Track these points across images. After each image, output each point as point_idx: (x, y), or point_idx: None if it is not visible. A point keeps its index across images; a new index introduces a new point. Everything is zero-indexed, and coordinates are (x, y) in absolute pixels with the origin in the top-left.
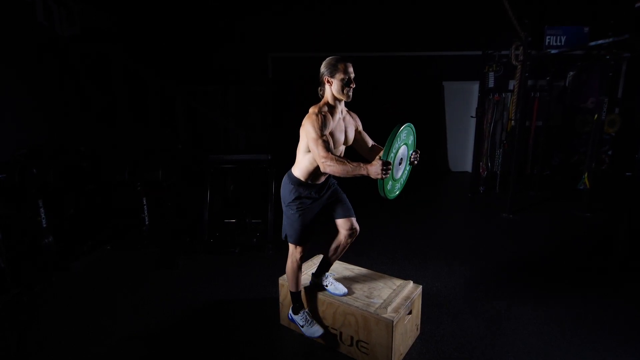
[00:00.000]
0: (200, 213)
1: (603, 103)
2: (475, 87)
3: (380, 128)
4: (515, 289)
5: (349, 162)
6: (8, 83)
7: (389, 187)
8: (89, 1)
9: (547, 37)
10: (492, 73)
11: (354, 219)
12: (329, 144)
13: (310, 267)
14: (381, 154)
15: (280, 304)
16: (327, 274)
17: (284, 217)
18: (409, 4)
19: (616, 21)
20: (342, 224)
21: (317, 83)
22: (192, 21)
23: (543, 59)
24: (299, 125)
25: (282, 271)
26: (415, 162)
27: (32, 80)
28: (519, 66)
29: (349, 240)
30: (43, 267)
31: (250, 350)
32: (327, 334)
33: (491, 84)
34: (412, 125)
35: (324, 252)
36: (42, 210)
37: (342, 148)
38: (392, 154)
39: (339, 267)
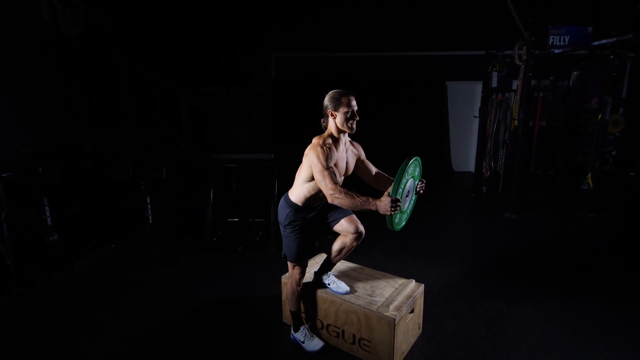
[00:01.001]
0: (203, 212)
1: (607, 103)
2: (478, 87)
3: (382, 129)
4: (517, 289)
5: (357, 196)
6: (13, 82)
7: (396, 220)
8: (93, 1)
9: (551, 36)
10: (496, 73)
11: (357, 220)
12: (335, 175)
13: (313, 265)
14: (390, 189)
15: (282, 302)
16: (329, 272)
17: (282, 237)
18: (412, 4)
19: (620, 21)
20: (346, 226)
21: (320, 83)
22: (195, 22)
23: (546, 59)
24: (302, 124)
25: (284, 270)
26: (422, 191)
27: (37, 80)
28: (523, 66)
29: (355, 243)
30: (47, 265)
31: (252, 348)
32: (329, 346)
33: (494, 83)
34: (419, 158)
35: (328, 252)
36: (47, 208)
37: (342, 179)
38: (400, 190)
39: (341, 266)
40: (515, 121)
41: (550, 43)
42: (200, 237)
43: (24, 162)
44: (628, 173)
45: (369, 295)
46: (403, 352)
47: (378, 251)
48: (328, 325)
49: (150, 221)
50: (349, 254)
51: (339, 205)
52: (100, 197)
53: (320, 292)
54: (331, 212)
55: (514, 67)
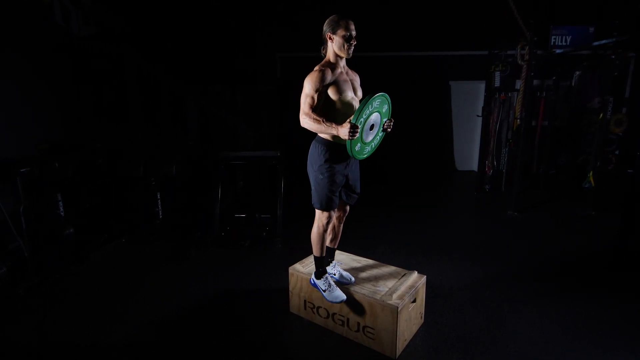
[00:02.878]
0: (211, 208)
1: (608, 103)
2: (481, 86)
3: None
4: (518, 285)
5: (323, 122)
6: (28, 81)
7: (357, 148)
8: (102, 2)
9: (553, 37)
10: (498, 72)
11: (348, 207)
12: (314, 102)
13: None
14: (352, 117)
15: (290, 293)
16: (334, 262)
17: (312, 183)
18: (415, 4)
19: (621, 21)
20: (342, 206)
21: None
22: (200, 22)
23: (548, 59)
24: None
25: (291, 263)
26: (389, 129)
27: (50, 79)
28: (525, 66)
29: (341, 215)
30: (63, 257)
31: (260, 337)
32: (349, 299)
33: (497, 83)
34: (386, 95)
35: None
36: (60, 203)
37: (354, 100)
38: (361, 119)
39: (347, 259)
40: (518, 120)
41: (552, 43)
42: (208, 232)
43: (41, 158)
44: (626, 171)
45: (373, 285)
46: (405, 340)
47: (382, 246)
48: (334, 314)
49: (160, 217)
50: (354, 247)
51: (307, 127)
52: (112, 193)
53: None
54: (350, 187)
55: (516, 67)
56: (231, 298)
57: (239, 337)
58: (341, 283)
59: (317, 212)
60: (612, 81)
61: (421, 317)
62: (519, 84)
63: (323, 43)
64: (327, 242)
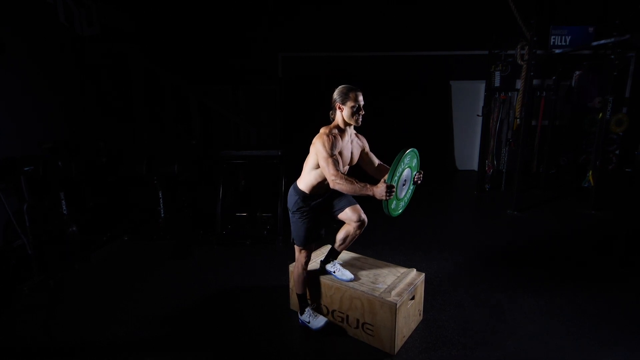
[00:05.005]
0: (213, 206)
1: (608, 102)
2: (482, 86)
3: (387, 127)
4: (518, 282)
5: (357, 182)
6: (32, 80)
7: (392, 206)
8: (106, 2)
9: (552, 36)
10: (498, 72)
11: (360, 209)
12: (338, 162)
13: (319, 255)
14: (386, 177)
15: (290, 290)
16: (334, 261)
17: (291, 222)
18: (417, 4)
19: (622, 21)
20: (350, 215)
21: (326, 82)
22: (205, 22)
23: (548, 59)
24: (307, 122)
25: (291, 261)
26: (419, 181)
27: (54, 78)
28: (525, 65)
29: (358, 232)
30: (66, 255)
31: (261, 332)
32: (332, 323)
33: (497, 83)
34: (415, 150)
35: (332, 242)
36: (63, 202)
37: (347, 167)
38: (395, 177)
39: (346, 256)
40: (518, 120)
41: (551, 43)
42: (210, 230)
43: (45, 157)
44: (625, 170)
45: (372, 283)
46: (404, 336)
47: (382, 244)
48: (333, 310)
49: (162, 215)
50: (353, 245)
51: (339, 190)
52: (115, 191)
53: (326, 280)
54: (337, 201)
55: (516, 67)
56: (232, 295)
57: (240, 334)
58: (341, 280)
59: (297, 251)
60: (612, 81)
61: (420, 314)
62: (519, 84)
63: (332, 109)
64: (337, 246)
